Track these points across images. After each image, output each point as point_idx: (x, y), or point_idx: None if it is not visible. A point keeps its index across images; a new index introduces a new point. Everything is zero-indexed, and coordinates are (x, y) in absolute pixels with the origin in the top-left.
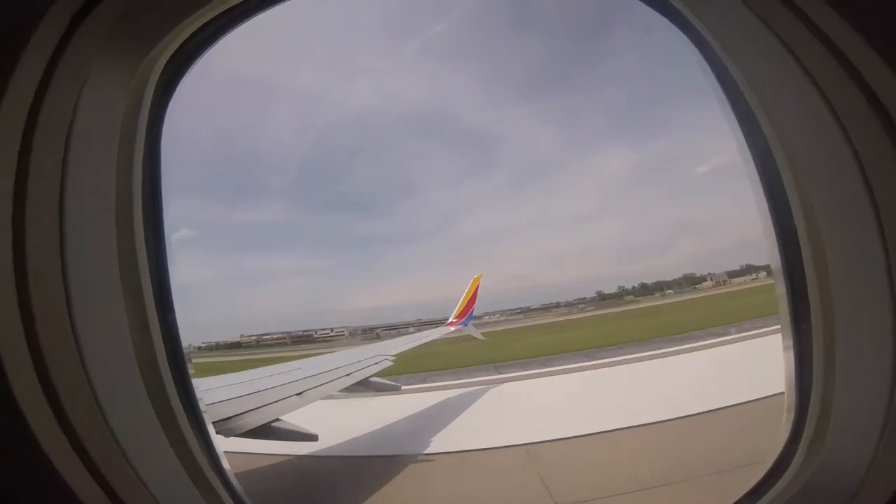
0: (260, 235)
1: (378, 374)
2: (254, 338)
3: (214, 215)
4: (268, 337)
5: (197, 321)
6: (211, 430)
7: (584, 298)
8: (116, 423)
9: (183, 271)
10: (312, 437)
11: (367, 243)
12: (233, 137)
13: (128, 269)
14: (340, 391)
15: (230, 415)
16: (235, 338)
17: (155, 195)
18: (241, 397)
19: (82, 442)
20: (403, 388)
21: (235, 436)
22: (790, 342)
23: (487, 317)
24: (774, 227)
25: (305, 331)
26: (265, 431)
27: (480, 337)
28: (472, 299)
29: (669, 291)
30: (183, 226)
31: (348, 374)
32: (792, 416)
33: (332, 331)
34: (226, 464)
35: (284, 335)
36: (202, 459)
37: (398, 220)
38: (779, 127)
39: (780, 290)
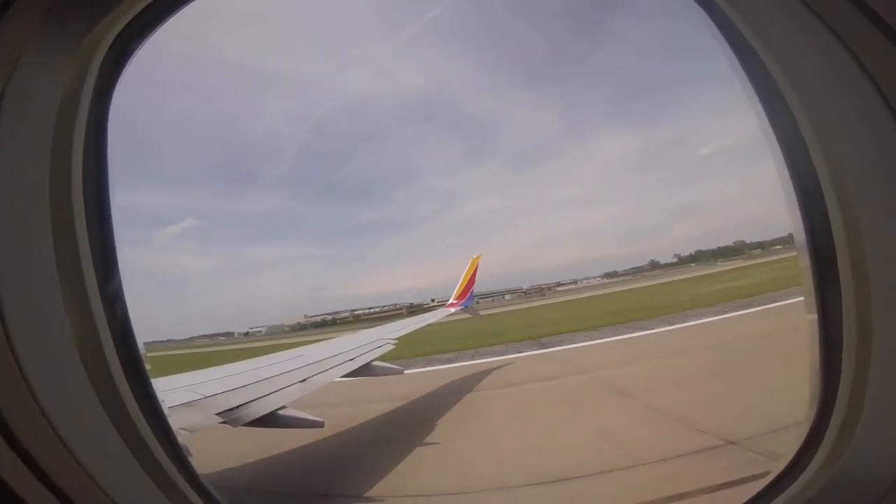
0: (264, 225)
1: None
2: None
3: (218, 205)
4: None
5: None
6: (172, 424)
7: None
8: (61, 423)
9: (197, 261)
10: (319, 424)
11: (368, 231)
12: (232, 126)
13: (66, 260)
14: (343, 377)
15: (236, 405)
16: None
17: (100, 182)
18: (245, 386)
19: (23, 444)
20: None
21: (242, 425)
22: (817, 327)
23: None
24: (798, 200)
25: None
26: (271, 420)
27: (480, 316)
28: (471, 280)
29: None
30: (188, 216)
31: (351, 360)
32: (815, 408)
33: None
34: (190, 458)
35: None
36: (160, 454)
37: (398, 207)
38: (801, 89)
39: (805, 266)
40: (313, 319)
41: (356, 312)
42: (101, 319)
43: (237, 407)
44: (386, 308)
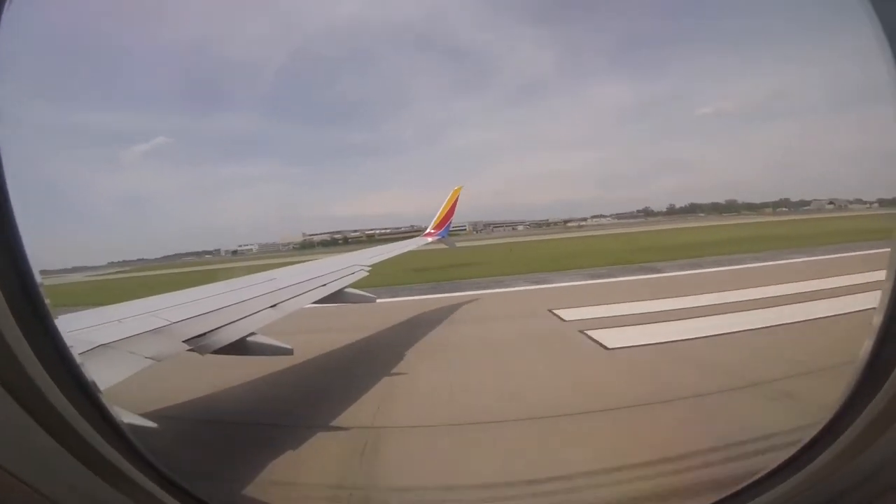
0: (244, 144)
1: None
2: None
3: (195, 124)
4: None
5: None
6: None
7: None
8: None
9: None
10: (288, 352)
11: (352, 153)
12: (217, 44)
13: None
14: (314, 303)
15: (204, 331)
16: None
17: None
18: (215, 311)
19: None
20: (378, 300)
21: (211, 353)
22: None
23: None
24: None
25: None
26: (240, 347)
27: (455, 247)
28: (450, 211)
29: None
30: (160, 134)
31: (324, 286)
32: (851, 390)
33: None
34: (121, 416)
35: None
36: (73, 415)
37: (386, 133)
38: None
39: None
40: (315, 238)
41: (368, 232)
42: None
43: (205, 333)
44: (401, 229)
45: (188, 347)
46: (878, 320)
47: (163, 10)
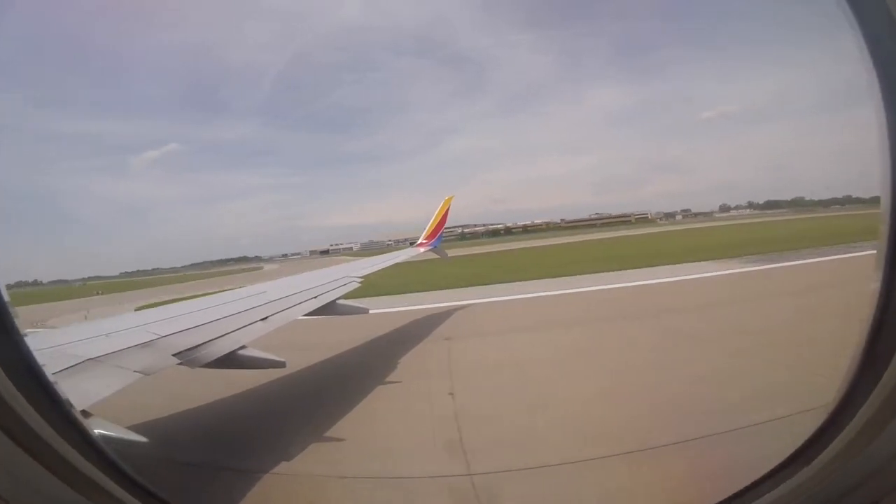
0: (240, 153)
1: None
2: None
3: (196, 133)
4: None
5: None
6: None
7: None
8: None
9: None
10: (280, 364)
11: (348, 162)
12: (216, 52)
13: None
14: (306, 315)
15: (194, 345)
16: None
17: None
18: (205, 324)
19: None
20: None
21: (201, 366)
22: (875, 311)
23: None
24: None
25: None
26: (231, 360)
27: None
28: (442, 220)
29: None
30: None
31: (315, 297)
32: (847, 388)
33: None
34: (95, 427)
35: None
36: (45, 430)
37: (379, 141)
38: None
39: (883, 231)
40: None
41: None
42: None
43: (195, 347)
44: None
45: (178, 361)
46: (871, 316)
47: (156, 17)
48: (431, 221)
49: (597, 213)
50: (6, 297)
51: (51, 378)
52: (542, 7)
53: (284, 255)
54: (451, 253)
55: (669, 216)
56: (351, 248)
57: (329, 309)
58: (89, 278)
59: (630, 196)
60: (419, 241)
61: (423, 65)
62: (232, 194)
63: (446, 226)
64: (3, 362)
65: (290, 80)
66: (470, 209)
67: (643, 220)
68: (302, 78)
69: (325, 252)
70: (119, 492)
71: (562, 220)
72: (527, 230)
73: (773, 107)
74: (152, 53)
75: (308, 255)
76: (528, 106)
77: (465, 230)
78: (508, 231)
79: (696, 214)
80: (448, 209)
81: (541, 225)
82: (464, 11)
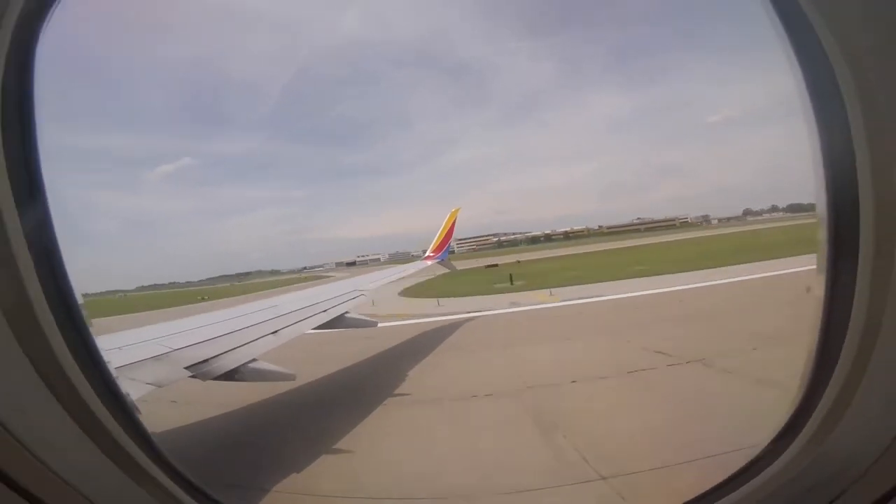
0: (246, 166)
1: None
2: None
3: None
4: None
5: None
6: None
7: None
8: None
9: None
10: (290, 377)
11: (352, 175)
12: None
13: None
14: (316, 328)
15: (205, 358)
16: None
17: (23, 119)
18: (216, 338)
19: None
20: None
21: (212, 379)
22: (823, 305)
23: None
24: (824, 160)
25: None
26: (242, 373)
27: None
28: (449, 232)
29: None
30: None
31: (324, 311)
32: (804, 388)
33: None
34: (150, 434)
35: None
36: (115, 429)
37: (385, 152)
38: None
39: (822, 235)
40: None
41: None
42: (34, 287)
43: (207, 360)
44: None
45: (190, 374)
46: (819, 317)
47: (161, 32)
48: (438, 234)
49: (639, 218)
50: (80, 300)
51: (114, 374)
52: (542, 14)
53: (343, 263)
54: (519, 258)
55: (705, 220)
56: (379, 259)
57: (338, 322)
58: (108, 292)
59: (635, 203)
60: (426, 255)
61: (425, 75)
62: (241, 208)
63: (481, 235)
64: (79, 360)
65: (294, 93)
66: (475, 220)
67: (684, 224)
68: (305, 91)
69: (352, 263)
70: (170, 485)
71: (599, 226)
72: (567, 236)
73: (780, 109)
74: (158, 68)
75: (335, 266)
76: (531, 114)
77: (502, 238)
78: (548, 238)
79: (729, 219)
80: (454, 221)
81: (582, 231)
82: (463, 22)
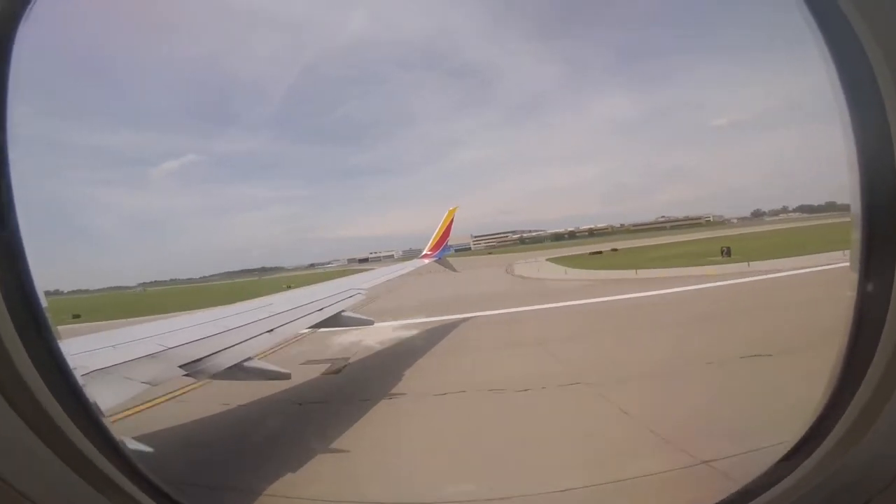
0: (251, 165)
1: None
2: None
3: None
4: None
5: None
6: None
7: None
8: None
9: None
10: (285, 376)
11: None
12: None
13: None
14: (311, 327)
15: (200, 357)
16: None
17: None
18: (211, 337)
19: None
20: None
21: (208, 377)
22: (855, 307)
23: None
24: (859, 159)
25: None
26: (236, 372)
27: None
28: (446, 232)
29: None
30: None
31: (320, 310)
32: (833, 389)
33: None
34: (117, 436)
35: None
36: (79, 438)
37: (389, 153)
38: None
39: (855, 235)
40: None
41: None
42: None
43: (201, 359)
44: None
45: (184, 373)
46: (850, 319)
47: (166, 30)
48: (435, 233)
49: (663, 216)
50: (44, 303)
51: (80, 381)
52: (548, 17)
53: (355, 260)
54: (556, 254)
55: (724, 220)
56: (392, 256)
57: (335, 321)
58: (110, 288)
59: (639, 205)
60: (423, 253)
61: (430, 76)
62: (246, 205)
63: (500, 231)
64: (38, 365)
65: (300, 93)
66: (478, 220)
67: (708, 222)
68: (311, 91)
69: (365, 260)
70: (139, 494)
71: (621, 224)
72: (592, 233)
73: (787, 112)
74: (165, 67)
75: (347, 263)
76: (535, 116)
77: (525, 235)
78: (572, 235)
79: (741, 219)
80: (452, 220)
81: (605, 228)
82: (469, 23)
